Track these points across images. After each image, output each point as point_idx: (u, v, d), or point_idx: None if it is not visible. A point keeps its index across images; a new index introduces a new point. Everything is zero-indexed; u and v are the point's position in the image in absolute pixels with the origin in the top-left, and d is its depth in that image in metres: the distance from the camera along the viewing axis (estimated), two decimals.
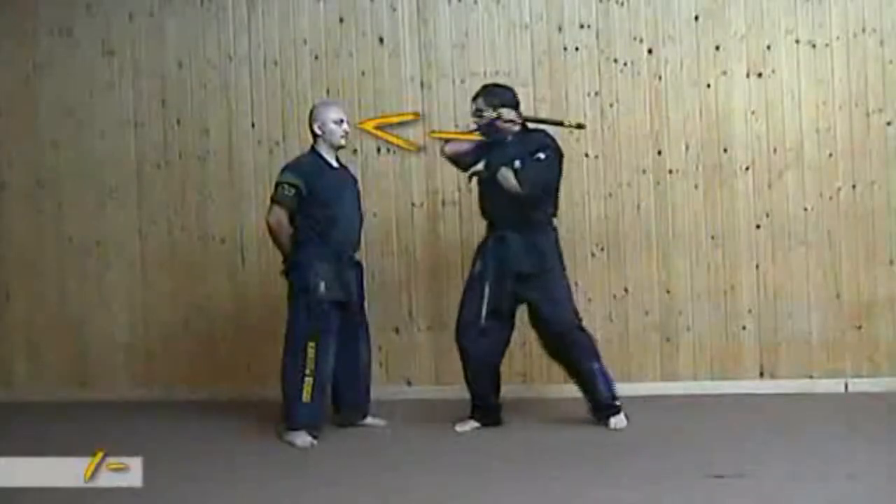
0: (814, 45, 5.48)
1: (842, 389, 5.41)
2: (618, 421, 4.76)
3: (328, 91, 5.89)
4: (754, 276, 5.53)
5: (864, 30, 5.44)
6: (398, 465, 4.35)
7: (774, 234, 5.52)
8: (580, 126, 4.99)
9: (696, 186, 5.57)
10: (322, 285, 4.73)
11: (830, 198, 5.47)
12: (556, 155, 4.81)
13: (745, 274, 5.53)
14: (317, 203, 4.79)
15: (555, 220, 4.92)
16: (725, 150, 5.55)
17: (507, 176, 4.68)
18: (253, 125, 6.03)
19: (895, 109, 5.42)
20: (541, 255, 4.79)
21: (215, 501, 3.96)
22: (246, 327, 5.99)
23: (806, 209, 5.49)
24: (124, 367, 6.19)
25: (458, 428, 4.88)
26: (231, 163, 6.05)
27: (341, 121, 4.90)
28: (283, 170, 4.90)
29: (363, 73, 5.89)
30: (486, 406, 4.92)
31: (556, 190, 4.88)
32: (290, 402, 4.74)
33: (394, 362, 5.83)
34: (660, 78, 5.60)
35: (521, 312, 4.91)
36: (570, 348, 4.79)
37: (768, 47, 5.52)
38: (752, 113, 5.53)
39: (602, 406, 4.79)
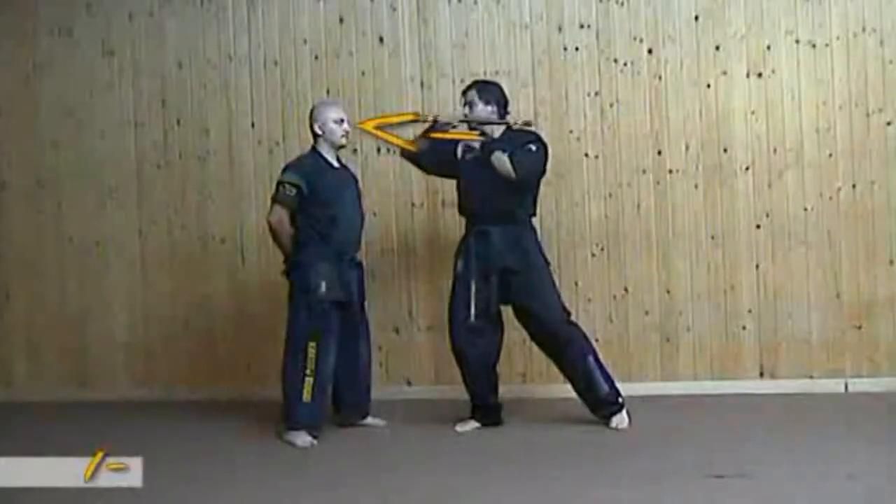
0: (814, 45, 5.48)
1: (842, 389, 5.41)
2: (619, 420, 4.75)
3: (328, 91, 5.89)
4: (754, 276, 5.53)
5: (864, 30, 5.44)
6: (398, 465, 4.35)
7: (774, 234, 5.52)
8: (527, 124, 4.95)
9: (696, 186, 5.58)
10: (323, 285, 4.73)
11: (830, 198, 5.47)
12: (545, 151, 4.82)
13: (745, 274, 5.53)
14: (318, 203, 4.79)
15: (534, 220, 4.93)
16: (725, 150, 5.55)
17: (502, 159, 4.67)
18: (253, 125, 6.03)
19: (895, 109, 5.42)
20: (524, 251, 4.80)
21: (215, 501, 3.96)
22: (246, 327, 5.99)
23: (806, 209, 5.49)
24: (124, 367, 6.20)
25: (459, 428, 4.88)
26: (231, 163, 6.06)
27: (341, 120, 4.90)
28: (285, 169, 4.90)
29: (363, 73, 5.89)
30: (486, 406, 4.92)
31: (537, 187, 4.89)
32: (290, 401, 4.74)
33: (394, 362, 5.83)
34: (660, 78, 5.61)
35: (509, 311, 4.91)
36: (563, 344, 4.78)
37: (768, 47, 5.52)
38: (752, 113, 5.53)
39: (604, 402, 4.77)
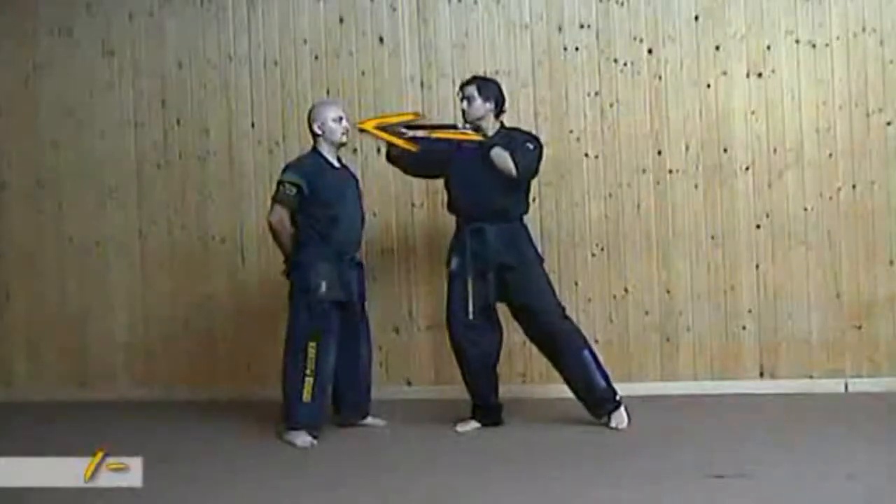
0: (814, 45, 5.48)
1: (842, 389, 5.41)
2: (619, 419, 4.75)
3: (328, 91, 5.89)
4: (754, 276, 5.53)
5: (864, 30, 5.43)
6: (398, 465, 4.35)
7: (774, 234, 5.52)
8: (476, 129, 4.92)
9: (696, 186, 5.57)
10: (323, 285, 4.73)
11: (830, 198, 5.46)
12: (541, 150, 4.83)
13: (745, 274, 5.53)
14: (318, 203, 4.79)
15: (527, 218, 4.94)
16: (725, 150, 5.55)
17: (503, 156, 4.68)
18: (253, 125, 6.03)
19: (895, 109, 5.42)
20: (519, 248, 4.81)
21: (215, 502, 3.96)
22: (246, 327, 5.99)
23: (806, 209, 5.48)
24: (124, 367, 6.20)
25: (459, 428, 4.88)
26: (231, 163, 6.06)
27: (340, 118, 4.90)
28: (285, 169, 4.90)
29: (363, 73, 5.89)
30: (487, 406, 4.92)
31: (529, 185, 4.90)
32: (290, 401, 4.74)
33: (394, 362, 5.83)
34: (660, 78, 5.60)
35: (507, 312, 4.93)
36: (558, 339, 4.78)
37: (768, 47, 5.52)
38: (752, 113, 5.53)
39: (601, 399, 4.77)
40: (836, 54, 5.46)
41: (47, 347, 6.30)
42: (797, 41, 5.50)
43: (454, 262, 4.85)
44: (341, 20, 5.93)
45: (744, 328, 5.53)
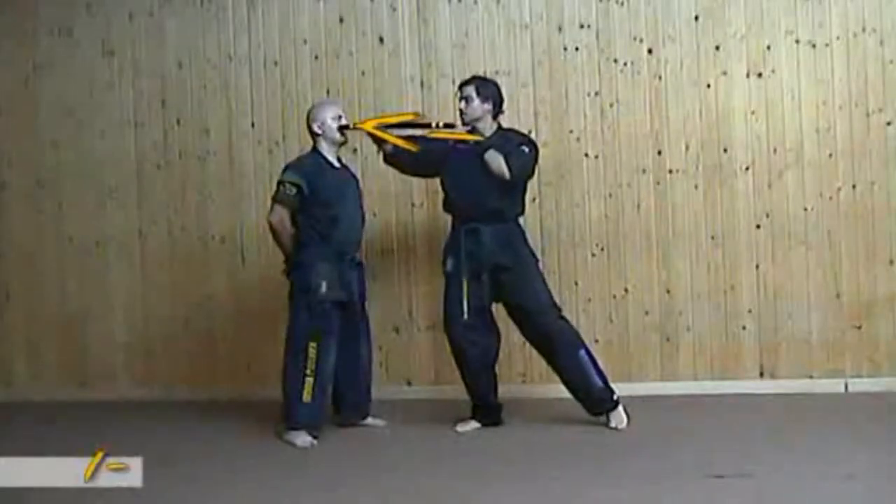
0: (814, 45, 5.48)
1: (842, 389, 5.41)
2: (618, 419, 4.75)
3: (328, 91, 5.89)
4: (754, 276, 5.53)
5: (864, 30, 5.43)
6: (398, 465, 4.35)
7: (774, 234, 5.52)
8: (449, 125, 4.93)
9: (696, 186, 5.57)
10: (323, 285, 4.73)
11: (830, 198, 5.46)
12: (536, 153, 4.83)
13: (745, 274, 5.53)
14: (318, 202, 4.80)
15: (522, 219, 4.96)
16: (725, 150, 5.55)
17: (497, 158, 4.68)
18: (253, 125, 6.03)
19: (895, 109, 5.42)
20: (514, 248, 4.82)
21: (215, 501, 3.96)
22: (246, 327, 5.99)
23: (806, 209, 5.48)
24: (124, 367, 6.20)
25: (459, 428, 4.88)
26: (231, 163, 6.06)
27: (339, 117, 4.91)
28: (285, 169, 4.91)
29: (363, 73, 5.89)
30: (487, 406, 4.92)
31: (525, 187, 4.91)
32: (290, 401, 4.74)
33: (394, 362, 5.83)
34: (660, 78, 5.60)
35: (505, 313, 4.94)
36: (555, 338, 4.78)
37: (768, 47, 5.52)
38: (752, 113, 5.53)
39: (598, 399, 4.76)
40: (836, 54, 5.46)
41: (47, 347, 6.30)
42: (797, 41, 5.50)
43: (449, 263, 4.86)
44: (341, 20, 5.93)
45: (744, 328, 5.53)
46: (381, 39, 5.88)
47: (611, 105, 5.64)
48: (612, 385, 4.81)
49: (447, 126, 4.93)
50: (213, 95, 6.08)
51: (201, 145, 6.09)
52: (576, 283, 5.65)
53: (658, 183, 5.61)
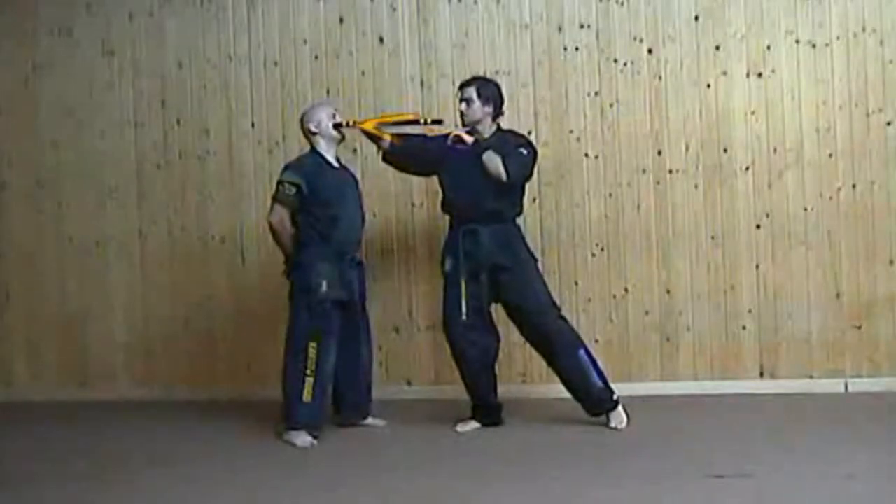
0: (814, 45, 5.48)
1: (842, 389, 5.41)
2: (618, 419, 4.75)
3: (328, 91, 5.89)
4: (754, 276, 5.52)
5: (864, 30, 5.43)
6: (398, 465, 4.35)
7: (774, 234, 5.52)
8: (437, 122, 4.96)
9: (696, 186, 5.57)
10: (324, 285, 4.73)
11: (830, 198, 5.46)
12: (534, 155, 4.83)
13: (745, 274, 5.53)
14: (318, 202, 4.80)
15: (520, 219, 4.96)
16: (725, 150, 5.55)
17: (495, 160, 4.67)
18: (253, 125, 6.03)
19: (895, 109, 5.42)
20: (513, 248, 4.82)
21: (215, 501, 3.96)
22: (246, 327, 5.99)
23: (806, 209, 5.48)
24: (124, 367, 6.20)
25: (459, 428, 4.88)
26: (231, 163, 6.06)
27: (334, 115, 4.93)
28: (284, 169, 4.91)
29: (363, 73, 5.89)
30: (487, 406, 4.92)
31: (523, 189, 4.91)
32: (290, 401, 4.74)
33: (394, 362, 5.83)
34: (660, 78, 5.60)
35: (504, 314, 4.94)
36: (554, 338, 4.77)
37: (768, 47, 5.52)
38: (752, 113, 5.53)
39: (598, 399, 4.76)
40: (836, 54, 5.46)
41: (47, 347, 6.30)
42: (797, 41, 5.50)
43: (448, 264, 4.86)
44: (341, 20, 5.94)
45: (744, 328, 5.53)
46: (381, 39, 5.88)
47: (611, 105, 5.64)
48: (612, 385, 4.81)
49: (435, 122, 4.95)
50: (213, 95, 6.08)
51: (201, 145, 6.10)
52: (576, 283, 5.65)
53: (658, 183, 5.61)
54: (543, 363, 4.94)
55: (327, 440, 4.77)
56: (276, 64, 6.00)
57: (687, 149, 5.58)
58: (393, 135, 5.01)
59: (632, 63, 5.62)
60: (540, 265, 5.02)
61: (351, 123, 4.97)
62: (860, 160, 5.44)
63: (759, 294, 5.52)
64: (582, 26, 5.67)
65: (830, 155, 5.46)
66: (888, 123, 5.42)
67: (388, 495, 3.90)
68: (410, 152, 5.02)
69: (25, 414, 5.82)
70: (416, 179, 5.61)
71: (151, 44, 6.17)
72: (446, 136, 4.85)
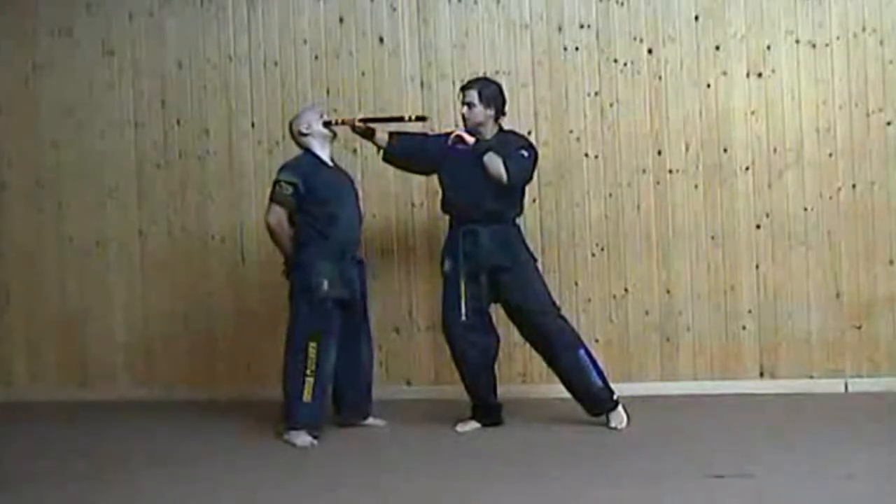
0: (814, 45, 5.48)
1: (842, 389, 5.41)
2: (618, 419, 4.75)
3: (328, 91, 5.90)
4: (754, 276, 5.52)
5: (864, 30, 5.43)
6: (398, 465, 4.35)
7: (774, 234, 5.52)
8: (421, 119, 4.98)
9: (696, 186, 5.57)
10: (325, 283, 4.74)
11: (830, 198, 5.46)
12: (535, 157, 4.83)
13: (745, 274, 5.53)
14: (316, 201, 4.80)
15: (519, 220, 4.96)
16: (725, 150, 5.55)
17: (495, 161, 4.67)
18: (253, 125, 6.03)
19: (895, 109, 5.42)
20: (512, 249, 4.82)
21: (215, 502, 3.96)
22: (246, 327, 5.99)
23: (806, 209, 5.48)
24: (124, 367, 6.20)
25: (459, 428, 4.88)
26: (231, 162, 6.06)
27: (322, 115, 4.98)
28: (281, 169, 4.92)
29: (363, 73, 5.89)
30: (487, 406, 4.92)
31: (523, 190, 4.91)
32: (290, 401, 4.74)
33: (394, 362, 5.83)
34: (660, 78, 5.60)
35: (504, 315, 4.94)
36: (554, 338, 4.77)
37: (768, 47, 5.52)
38: (752, 113, 5.53)
39: (597, 398, 4.76)
40: (836, 54, 5.46)
41: (47, 347, 6.30)
42: (797, 41, 5.50)
43: (447, 264, 4.86)
44: (341, 20, 5.93)
45: (744, 328, 5.53)
46: (381, 39, 5.88)
47: (611, 105, 5.64)
48: (612, 385, 4.81)
49: (419, 119, 4.99)
50: (213, 95, 6.08)
51: (201, 145, 6.09)
52: (576, 283, 5.65)
53: (658, 183, 5.60)
54: (543, 363, 4.94)
55: (327, 440, 4.77)
56: (276, 64, 6.00)
57: (687, 149, 5.58)
58: (392, 134, 5.03)
59: (632, 63, 5.62)
60: (540, 265, 5.02)
61: (339, 122, 5.00)
62: (860, 160, 5.44)
63: (759, 294, 5.52)
64: (582, 26, 5.67)
65: (830, 155, 5.46)
66: (888, 123, 5.42)
67: (388, 495, 3.90)
68: (410, 151, 5.04)
69: (25, 414, 5.82)
70: (415, 180, 5.61)
71: (151, 44, 6.16)
72: (447, 135, 4.85)
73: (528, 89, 5.69)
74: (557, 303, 4.91)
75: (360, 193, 5.15)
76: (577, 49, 5.68)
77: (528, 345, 5.00)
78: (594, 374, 4.75)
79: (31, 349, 6.32)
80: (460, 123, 4.95)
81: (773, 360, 5.51)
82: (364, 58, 5.90)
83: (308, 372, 4.69)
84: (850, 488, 3.67)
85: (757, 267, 5.52)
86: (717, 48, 5.55)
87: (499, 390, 4.98)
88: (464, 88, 4.88)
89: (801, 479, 3.81)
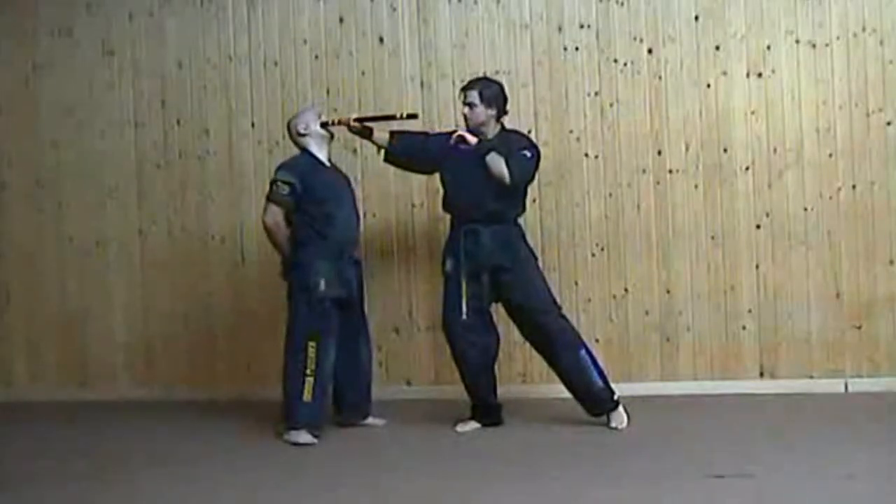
0: (814, 45, 5.48)
1: (842, 389, 5.41)
2: (618, 419, 4.75)
3: (328, 91, 5.90)
4: (754, 276, 5.52)
5: (864, 30, 5.43)
6: (398, 465, 4.35)
7: (774, 234, 5.52)
8: (412, 116, 4.99)
9: (696, 186, 5.57)
10: (322, 283, 4.74)
11: (830, 198, 5.46)
12: (538, 157, 4.83)
13: (745, 274, 5.53)
14: (313, 201, 4.81)
15: (520, 220, 4.96)
16: (725, 150, 5.55)
17: (498, 162, 4.67)
18: (253, 125, 6.03)
19: (895, 109, 5.41)
20: (513, 248, 4.82)
21: (215, 502, 3.96)
22: (246, 327, 5.99)
23: (806, 209, 5.48)
24: (124, 367, 6.20)
25: (459, 428, 4.88)
26: (231, 162, 6.06)
27: (319, 115, 4.99)
28: (278, 168, 4.93)
29: (363, 73, 5.89)
30: (486, 406, 4.92)
31: (525, 190, 4.91)
32: (290, 400, 4.74)
33: (394, 362, 5.83)
34: (660, 78, 5.60)
35: (504, 315, 4.94)
36: (554, 337, 4.77)
37: (768, 47, 5.52)
38: (752, 113, 5.53)
39: (598, 398, 4.76)
40: (836, 54, 5.46)
41: (47, 347, 6.30)
42: (797, 41, 5.50)
43: (449, 264, 4.86)
44: (341, 20, 5.93)
45: (744, 328, 5.53)
46: (381, 39, 5.88)
47: (611, 105, 5.64)
48: (613, 385, 4.81)
49: (410, 116, 5.00)
50: (213, 95, 6.08)
51: (201, 145, 6.09)
52: (576, 283, 5.65)
53: (658, 183, 5.60)
54: (543, 363, 4.94)
55: (327, 440, 4.77)
56: (276, 64, 6.00)
57: (687, 149, 5.58)
58: (393, 133, 5.03)
59: (632, 63, 5.62)
60: (540, 265, 5.01)
61: (336, 122, 5.00)
62: (860, 160, 5.44)
63: (759, 294, 5.52)
64: (582, 26, 5.67)
65: (830, 155, 5.46)
66: (888, 123, 5.41)
67: (388, 495, 3.90)
68: (411, 151, 5.04)
69: (25, 414, 5.82)
70: (416, 180, 5.61)
71: (151, 44, 6.16)
72: (448, 134, 4.85)
73: (528, 89, 5.69)
74: (558, 302, 4.91)
75: (360, 193, 5.18)
76: (577, 49, 5.68)
77: (528, 344, 5.00)
78: (595, 374, 4.75)
79: (31, 349, 6.32)
80: (461, 123, 4.95)
81: (773, 360, 5.51)
82: (364, 58, 5.90)
83: (308, 371, 4.70)
84: (850, 488, 3.67)
85: (757, 267, 5.52)
86: (717, 48, 5.55)
87: (499, 390, 4.98)
88: (465, 89, 4.88)
89: (801, 479, 3.81)
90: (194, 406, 5.71)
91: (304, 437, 4.69)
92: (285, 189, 4.80)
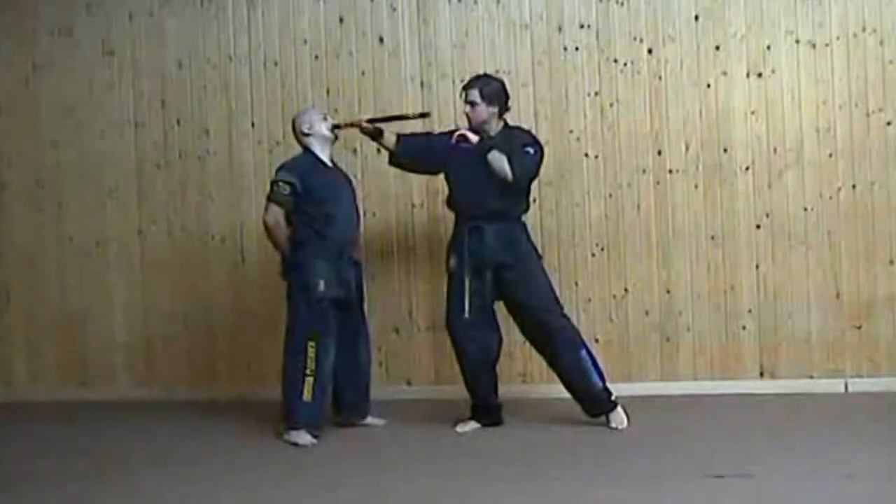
0: (814, 45, 5.48)
1: (842, 389, 5.41)
2: (618, 419, 4.75)
3: (328, 91, 5.90)
4: (754, 276, 5.52)
5: (864, 30, 5.43)
6: (398, 465, 4.35)
7: (774, 234, 5.52)
8: (424, 115, 5.02)
9: (696, 186, 5.57)
10: (321, 283, 4.74)
11: (830, 198, 5.46)
12: (541, 154, 4.82)
13: (745, 274, 5.53)
14: (313, 201, 4.81)
15: (526, 217, 4.96)
16: (725, 150, 5.55)
17: (500, 160, 4.67)
18: (253, 125, 6.03)
19: (895, 109, 5.42)
20: (517, 246, 4.82)
21: (215, 502, 3.96)
22: (246, 327, 5.99)
23: (806, 209, 5.48)
24: (124, 367, 6.20)
25: (459, 428, 4.88)
26: (231, 162, 6.06)
27: (325, 117, 5.00)
28: (279, 168, 4.94)
29: (363, 73, 5.89)
30: (487, 406, 4.92)
31: (529, 187, 4.91)
32: (290, 400, 4.74)
33: (394, 362, 5.83)
34: (660, 78, 5.60)
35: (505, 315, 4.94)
36: (555, 336, 4.77)
37: (768, 47, 5.52)
38: (752, 113, 5.53)
39: (597, 399, 4.76)
40: (836, 54, 5.46)
41: (47, 347, 6.30)
42: (797, 41, 5.50)
43: (452, 261, 4.86)
44: (341, 20, 5.93)
45: (744, 328, 5.53)
46: (381, 39, 5.88)
47: (611, 105, 5.64)
48: (610, 387, 4.80)
49: (422, 115, 5.04)
50: (213, 95, 6.08)
51: (201, 145, 6.10)
52: (576, 283, 5.65)
53: (658, 183, 5.61)
54: (543, 363, 4.94)
55: (327, 440, 4.77)
56: (276, 64, 6.00)
57: (687, 149, 5.59)
58: (397, 136, 5.03)
59: (632, 63, 5.62)
60: (544, 263, 5.01)
61: (347, 124, 5.02)
62: (860, 160, 5.44)
63: (759, 294, 5.52)
64: (582, 26, 5.67)
65: (830, 155, 5.46)
66: (888, 123, 5.42)
67: (388, 495, 3.90)
68: (415, 152, 5.04)
69: (25, 414, 5.82)
70: (416, 180, 5.61)
71: (151, 44, 6.16)
72: (451, 133, 4.85)
73: (528, 89, 5.69)
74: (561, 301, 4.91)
75: (361, 193, 5.16)
76: (577, 49, 5.68)
77: (528, 344, 5.00)
78: (595, 374, 4.75)
79: (31, 349, 6.32)
80: (462, 123, 4.95)
81: (773, 360, 5.51)
82: (364, 58, 5.90)
83: (308, 371, 4.70)
84: (850, 488, 3.67)
85: (757, 267, 5.52)
86: (717, 48, 5.56)
87: (499, 390, 4.98)
88: (465, 88, 4.88)
89: (801, 479, 3.81)
90: (194, 406, 5.71)
91: (303, 437, 4.70)
92: (286, 189, 4.80)
